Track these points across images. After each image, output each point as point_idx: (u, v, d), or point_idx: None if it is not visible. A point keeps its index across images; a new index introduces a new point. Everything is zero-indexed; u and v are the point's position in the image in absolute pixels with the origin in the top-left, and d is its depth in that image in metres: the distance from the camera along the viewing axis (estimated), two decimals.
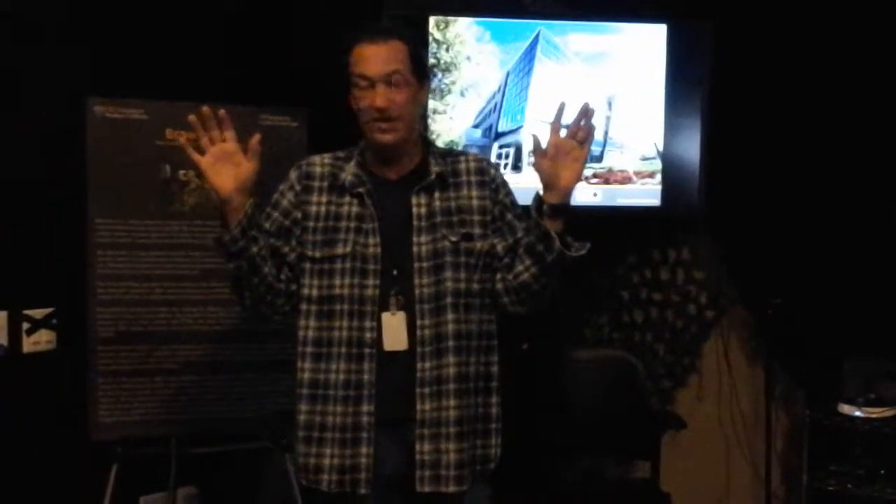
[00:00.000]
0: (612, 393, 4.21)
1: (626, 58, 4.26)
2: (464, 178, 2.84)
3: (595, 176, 4.27)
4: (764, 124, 4.37)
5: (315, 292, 2.76)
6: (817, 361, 4.40)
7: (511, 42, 4.14)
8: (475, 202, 2.82)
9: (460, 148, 4.08)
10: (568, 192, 2.72)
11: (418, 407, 2.70)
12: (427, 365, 2.70)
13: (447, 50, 4.06)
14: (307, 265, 2.77)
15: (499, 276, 2.83)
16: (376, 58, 2.71)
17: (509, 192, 2.92)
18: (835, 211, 4.28)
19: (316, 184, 2.82)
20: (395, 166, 2.82)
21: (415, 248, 2.74)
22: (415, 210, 2.77)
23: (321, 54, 4.00)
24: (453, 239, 2.76)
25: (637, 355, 4.34)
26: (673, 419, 4.31)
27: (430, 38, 4.03)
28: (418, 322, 2.71)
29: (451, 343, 2.73)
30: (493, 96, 4.14)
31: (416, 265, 2.73)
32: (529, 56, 4.16)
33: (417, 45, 2.80)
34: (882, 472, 4.13)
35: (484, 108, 4.14)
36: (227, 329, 3.68)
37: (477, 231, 2.80)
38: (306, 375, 2.76)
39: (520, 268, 2.78)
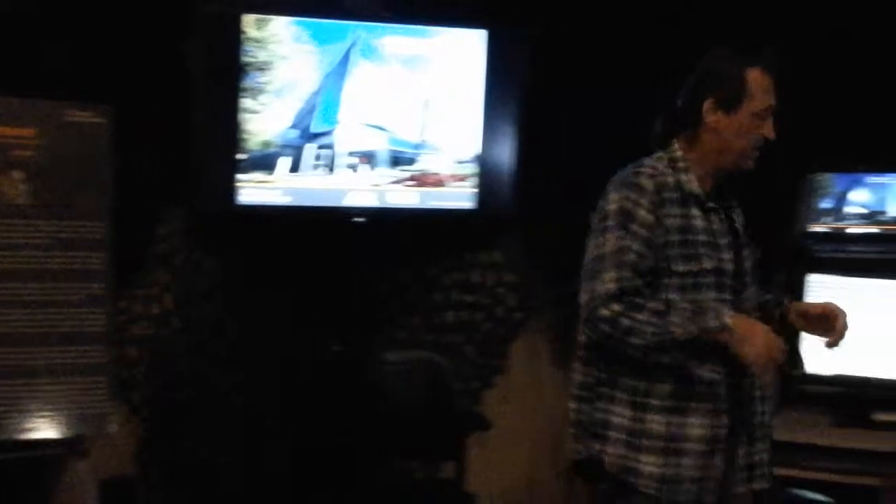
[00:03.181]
0: (420, 395, 4.25)
1: (444, 62, 4.27)
2: (733, 196, 2.92)
3: (410, 178, 4.29)
4: (576, 128, 4.46)
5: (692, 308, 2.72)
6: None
7: (329, 43, 4.09)
8: (741, 218, 2.91)
9: (275, 149, 4.06)
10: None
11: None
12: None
13: (263, 49, 3.98)
14: (669, 280, 2.72)
15: None
16: (773, 89, 2.78)
17: None
18: None
19: (670, 195, 2.75)
20: (713, 183, 2.85)
21: (746, 264, 2.83)
22: (738, 227, 2.86)
23: (131, 51, 3.91)
24: (758, 256, 2.90)
25: (448, 357, 4.39)
26: (478, 420, 4.38)
27: (245, 37, 3.94)
28: None
29: None
30: (310, 97, 4.09)
31: (746, 279, 2.83)
32: (347, 57, 4.12)
33: None
34: None
35: (300, 108, 4.09)
36: (27, 332, 3.52)
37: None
38: (667, 387, 2.73)
39: None
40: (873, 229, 4.23)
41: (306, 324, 4.30)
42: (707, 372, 2.71)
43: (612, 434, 2.77)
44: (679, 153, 2.81)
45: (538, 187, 4.46)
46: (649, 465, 2.73)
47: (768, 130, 2.77)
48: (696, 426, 2.72)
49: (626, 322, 2.64)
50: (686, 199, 2.76)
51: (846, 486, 3.76)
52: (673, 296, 2.71)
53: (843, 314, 2.84)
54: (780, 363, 2.70)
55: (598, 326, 2.67)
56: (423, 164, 4.31)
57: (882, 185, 4.22)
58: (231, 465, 4.17)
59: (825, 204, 4.28)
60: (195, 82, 3.93)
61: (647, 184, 2.73)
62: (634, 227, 2.69)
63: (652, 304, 2.66)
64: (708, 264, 2.74)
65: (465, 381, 4.61)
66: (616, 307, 2.64)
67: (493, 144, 4.38)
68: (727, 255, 2.77)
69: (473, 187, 4.38)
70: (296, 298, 4.29)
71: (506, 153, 4.41)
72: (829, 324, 2.84)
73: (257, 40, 3.98)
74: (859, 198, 4.25)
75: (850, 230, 4.24)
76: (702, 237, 2.75)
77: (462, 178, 4.37)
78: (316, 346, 4.30)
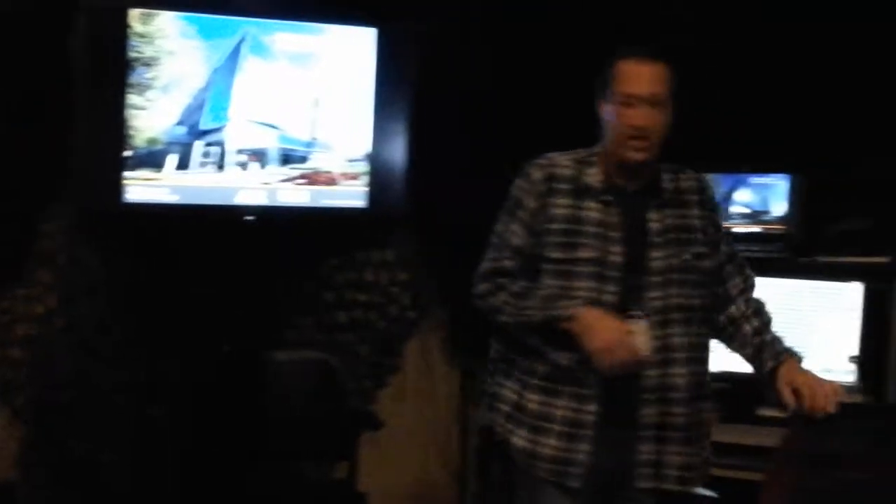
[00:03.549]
0: (311, 395, 4.22)
1: (334, 59, 4.26)
2: (686, 196, 2.95)
3: (301, 177, 4.26)
4: (467, 127, 4.48)
5: (554, 293, 2.82)
6: None
7: (217, 38, 4.05)
8: (696, 221, 2.93)
9: (162, 146, 4.00)
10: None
11: (643, 411, 2.83)
12: (653, 373, 2.82)
13: (150, 44, 3.92)
14: (546, 266, 2.84)
15: (734, 308, 2.99)
16: (640, 78, 2.79)
17: (717, 209, 3.08)
18: None
19: (560, 186, 2.87)
20: (633, 179, 2.88)
21: (650, 263, 2.85)
22: (651, 225, 2.87)
23: (13, 44, 3.82)
24: (685, 257, 2.89)
25: (341, 356, 4.37)
26: (370, 419, 4.37)
27: (131, 32, 3.87)
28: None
29: (676, 354, 2.86)
30: (198, 93, 4.04)
31: (650, 279, 2.84)
32: (236, 53, 4.09)
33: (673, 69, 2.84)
34: None
35: (188, 104, 4.03)
36: None
37: (702, 250, 2.92)
38: (542, 368, 2.84)
39: (737, 344, 3.01)
40: (756, 228, 4.32)
41: (196, 323, 4.24)
42: (560, 357, 2.81)
43: (503, 407, 2.94)
44: (596, 148, 2.93)
45: (429, 185, 4.47)
46: (521, 439, 2.89)
47: (628, 117, 2.79)
48: (560, 407, 2.84)
49: (492, 301, 2.87)
50: (582, 191, 2.87)
51: (731, 480, 3.82)
52: (548, 281, 2.82)
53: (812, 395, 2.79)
54: (631, 362, 2.75)
55: (475, 303, 2.92)
56: (314, 162, 4.29)
57: (765, 186, 4.32)
58: (117, 465, 4.09)
59: None
60: (80, 77, 3.86)
61: (536, 173, 2.89)
62: (520, 213, 2.88)
63: (515, 287, 2.83)
64: (587, 254, 2.82)
65: (359, 381, 4.59)
66: (485, 286, 2.90)
67: (384, 143, 4.38)
68: (617, 248, 2.83)
69: (365, 186, 4.37)
70: (185, 298, 4.22)
71: (397, 151, 4.41)
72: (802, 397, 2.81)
73: (143, 35, 3.91)
74: (743, 198, 4.35)
75: (734, 230, 4.31)
76: (591, 228, 2.84)
77: (353, 177, 4.36)
78: (206, 346, 4.25)
